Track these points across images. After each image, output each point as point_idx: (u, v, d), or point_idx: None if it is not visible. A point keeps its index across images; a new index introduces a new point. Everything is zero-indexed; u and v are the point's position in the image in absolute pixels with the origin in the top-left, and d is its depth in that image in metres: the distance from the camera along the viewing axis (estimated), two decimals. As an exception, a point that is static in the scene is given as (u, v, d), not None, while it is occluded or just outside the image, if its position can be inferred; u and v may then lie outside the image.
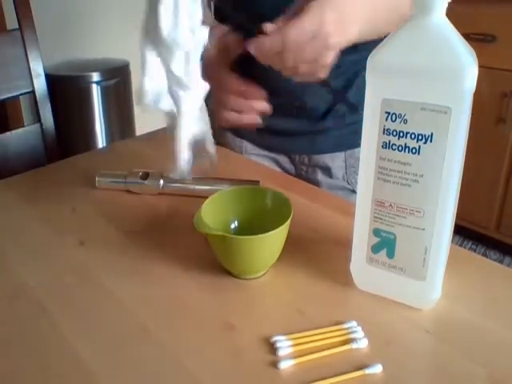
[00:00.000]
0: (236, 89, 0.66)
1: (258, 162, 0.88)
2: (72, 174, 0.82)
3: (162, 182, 0.71)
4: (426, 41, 0.42)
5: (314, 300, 0.52)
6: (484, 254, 2.02)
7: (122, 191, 0.74)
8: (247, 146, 0.90)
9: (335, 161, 0.85)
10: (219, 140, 0.93)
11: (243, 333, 0.48)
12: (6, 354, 0.46)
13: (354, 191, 0.86)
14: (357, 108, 0.79)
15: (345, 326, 0.48)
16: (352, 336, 0.46)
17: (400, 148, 0.45)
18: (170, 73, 0.55)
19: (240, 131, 0.89)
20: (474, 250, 2.05)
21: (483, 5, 1.78)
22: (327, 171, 0.86)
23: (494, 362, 0.44)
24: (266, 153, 0.89)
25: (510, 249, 2.01)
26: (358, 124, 0.86)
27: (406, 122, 0.44)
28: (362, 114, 0.75)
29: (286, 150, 0.87)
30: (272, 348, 0.45)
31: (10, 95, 1.07)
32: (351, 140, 0.83)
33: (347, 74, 0.78)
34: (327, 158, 0.85)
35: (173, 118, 0.58)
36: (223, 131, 0.92)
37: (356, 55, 0.64)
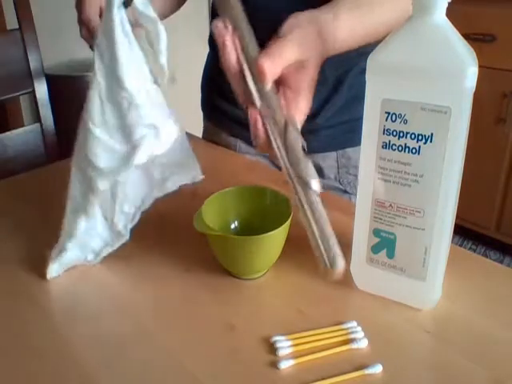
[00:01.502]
0: None
1: (254, 161, 0.88)
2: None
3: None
4: (426, 41, 0.42)
5: (314, 300, 0.52)
6: (484, 254, 2.02)
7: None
8: (241, 145, 0.90)
9: (326, 160, 0.85)
10: (214, 139, 0.93)
11: (243, 333, 0.48)
12: (6, 354, 0.46)
13: (346, 191, 0.86)
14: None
15: (345, 326, 0.48)
16: (352, 336, 0.46)
17: (400, 148, 0.45)
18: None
19: (234, 131, 0.89)
20: (474, 250, 2.05)
21: (483, 5, 1.78)
22: (319, 171, 0.85)
23: (494, 361, 0.44)
24: (259, 152, 0.89)
25: (510, 249, 2.01)
26: (349, 123, 0.85)
27: (406, 122, 0.44)
28: (352, 114, 0.74)
29: None
30: (272, 348, 0.45)
31: (10, 95, 1.07)
32: (342, 140, 0.83)
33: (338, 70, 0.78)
34: (318, 158, 0.85)
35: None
36: (218, 131, 0.92)
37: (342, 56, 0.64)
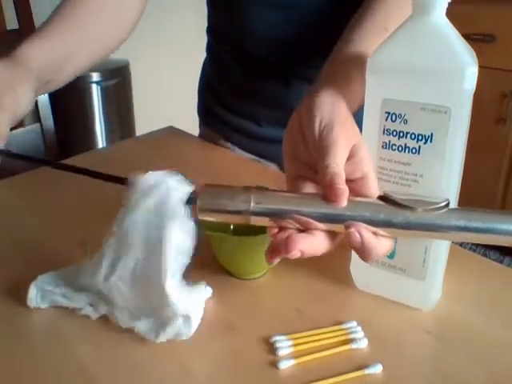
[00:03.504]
0: None
1: (253, 161, 0.88)
2: (72, 174, 0.82)
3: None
4: (426, 41, 0.42)
5: (314, 300, 0.52)
6: (484, 254, 2.02)
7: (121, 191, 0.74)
8: (238, 151, 0.90)
9: None
10: (212, 141, 0.93)
11: (243, 333, 0.48)
12: (5, 354, 0.46)
13: None
14: None
15: (345, 326, 0.48)
16: (352, 336, 0.46)
17: (400, 148, 0.45)
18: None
19: (230, 137, 0.89)
20: (474, 250, 2.04)
21: (483, 5, 1.78)
22: None
23: (494, 362, 0.44)
24: (256, 158, 0.89)
25: (509, 249, 2.01)
26: None
27: (406, 122, 0.44)
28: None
29: (275, 157, 0.87)
30: (272, 348, 0.45)
31: (9, 95, 1.07)
32: None
33: None
34: None
35: None
36: (214, 136, 0.92)
37: None
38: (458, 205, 0.49)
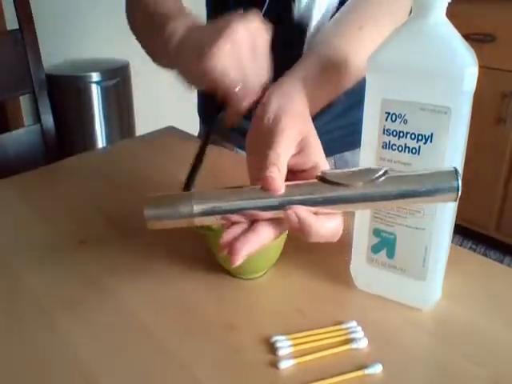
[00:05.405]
0: None
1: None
2: (72, 174, 0.82)
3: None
4: (426, 41, 0.42)
5: (314, 300, 0.52)
6: (484, 254, 2.02)
7: (120, 191, 0.74)
8: (238, 151, 0.90)
9: None
10: (211, 141, 0.92)
11: (243, 333, 0.48)
12: (5, 354, 0.46)
13: None
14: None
15: (345, 326, 0.48)
16: (352, 336, 0.46)
17: (400, 148, 0.45)
18: None
19: (231, 138, 0.89)
20: (474, 250, 2.05)
21: (483, 5, 1.78)
22: None
23: (494, 362, 0.44)
24: None
25: (510, 249, 2.01)
26: (348, 127, 0.84)
27: (405, 122, 0.44)
28: (351, 119, 0.74)
29: None
30: (272, 348, 0.45)
31: (10, 95, 1.07)
32: (340, 144, 0.82)
33: None
34: None
35: None
36: (214, 136, 0.91)
37: None
38: (459, 204, 0.49)
